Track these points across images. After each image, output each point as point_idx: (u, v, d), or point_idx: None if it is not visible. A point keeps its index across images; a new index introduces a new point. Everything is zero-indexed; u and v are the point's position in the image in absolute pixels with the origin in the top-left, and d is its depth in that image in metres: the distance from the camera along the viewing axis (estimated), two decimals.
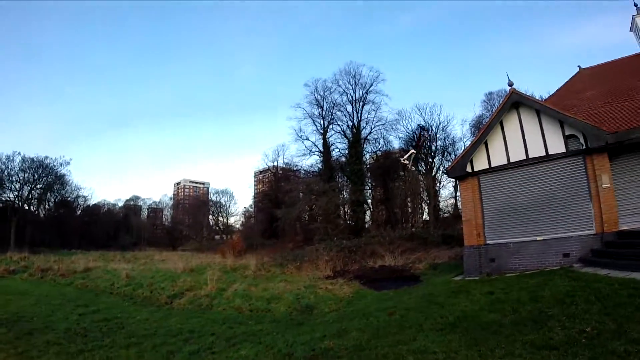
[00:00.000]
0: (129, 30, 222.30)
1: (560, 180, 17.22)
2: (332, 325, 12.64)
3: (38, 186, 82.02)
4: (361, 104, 64.00)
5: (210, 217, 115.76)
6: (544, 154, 17.63)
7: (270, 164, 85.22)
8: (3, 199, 77.53)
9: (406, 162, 28.17)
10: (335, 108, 65.77)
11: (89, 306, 17.93)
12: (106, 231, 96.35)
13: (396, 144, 66.43)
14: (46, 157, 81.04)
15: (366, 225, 57.60)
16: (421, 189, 59.21)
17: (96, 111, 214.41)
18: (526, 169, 18.15)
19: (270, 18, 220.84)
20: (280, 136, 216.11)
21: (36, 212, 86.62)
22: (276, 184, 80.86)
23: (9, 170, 76.73)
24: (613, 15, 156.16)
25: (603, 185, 15.85)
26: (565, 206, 16.81)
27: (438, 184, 62.46)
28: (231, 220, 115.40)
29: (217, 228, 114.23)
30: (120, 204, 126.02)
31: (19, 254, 40.55)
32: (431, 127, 62.06)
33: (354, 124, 63.65)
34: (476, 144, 19.65)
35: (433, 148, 62.17)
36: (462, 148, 50.86)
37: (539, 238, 17.12)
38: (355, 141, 61.95)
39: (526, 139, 18.22)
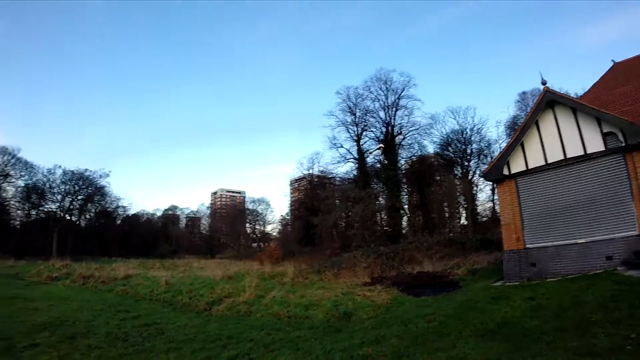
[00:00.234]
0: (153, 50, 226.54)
1: (600, 180, 16.72)
2: (371, 332, 12.57)
3: (79, 197, 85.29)
4: (394, 109, 63.48)
5: (248, 225, 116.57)
6: (582, 153, 17.17)
7: (306, 172, 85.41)
8: (45, 210, 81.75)
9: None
10: (368, 114, 65.54)
11: (130, 312, 18.32)
12: (145, 240, 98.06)
13: (431, 149, 66.07)
14: (86, 170, 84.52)
15: (403, 231, 56.95)
16: (458, 194, 58.50)
17: (135, 128, 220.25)
18: (564, 170, 17.72)
19: (295, 27, 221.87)
20: (315, 144, 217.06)
21: (77, 222, 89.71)
22: (312, 192, 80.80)
23: (50, 183, 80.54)
24: None
25: None
26: (607, 206, 16.28)
27: (475, 188, 61.38)
28: (268, 228, 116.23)
29: (255, 236, 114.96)
30: (159, 213, 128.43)
31: (61, 262, 41.46)
32: (465, 130, 61.50)
33: (387, 130, 63.17)
34: (512, 145, 19.32)
35: (468, 151, 61.52)
36: (498, 150, 50.08)
37: (580, 241, 16.68)
38: (390, 147, 61.56)
39: (563, 139, 17.80)
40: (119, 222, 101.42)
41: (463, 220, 58.78)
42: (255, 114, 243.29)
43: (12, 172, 76.13)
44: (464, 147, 60.88)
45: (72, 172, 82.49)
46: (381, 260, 30.12)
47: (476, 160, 61.79)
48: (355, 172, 66.64)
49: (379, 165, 64.99)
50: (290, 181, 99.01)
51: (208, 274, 31.21)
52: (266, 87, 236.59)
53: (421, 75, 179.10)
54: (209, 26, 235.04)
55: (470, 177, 60.68)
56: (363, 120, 65.93)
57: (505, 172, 19.31)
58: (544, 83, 19.06)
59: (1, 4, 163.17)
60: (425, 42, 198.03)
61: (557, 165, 17.86)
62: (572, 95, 27.79)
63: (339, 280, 25.70)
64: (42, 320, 15.34)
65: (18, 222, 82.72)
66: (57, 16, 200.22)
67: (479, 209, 62.74)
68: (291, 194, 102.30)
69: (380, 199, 61.96)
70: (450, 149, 63.72)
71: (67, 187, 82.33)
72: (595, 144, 16.84)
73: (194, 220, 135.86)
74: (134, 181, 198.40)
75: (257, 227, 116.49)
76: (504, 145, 35.48)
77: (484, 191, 62.82)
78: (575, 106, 17.77)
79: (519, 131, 19.47)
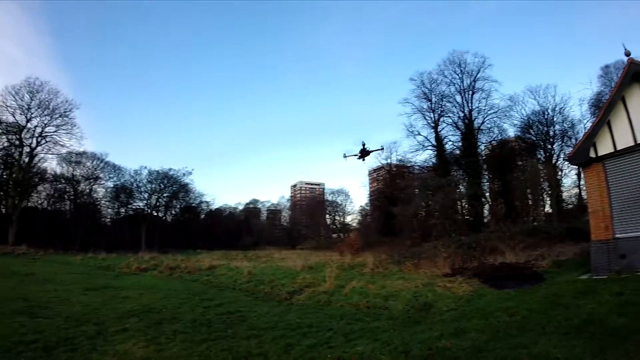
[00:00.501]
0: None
1: None
2: (450, 324, 12.41)
3: (164, 195, 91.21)
4: (470, 92, 61.56)
5: (327, 216, 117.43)
6: None
7: (384, 162, 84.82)
8: (134, 207, 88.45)
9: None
10: (444, 100, 63.97)
11: (213, 300, 19.08)
12: (228, 232, 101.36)
13: (511, 132, 63.39)
14: (170, 169, 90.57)
15: (485, 220, 55.50)
16: (541, 179, 55.34)
17: (217, 127, 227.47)
18: None
19: (363, 15, 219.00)
20: (393, 133, 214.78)
21: (164, 217, 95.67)
22: (391, 181, 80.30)
23: (137, 183, 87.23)
24: None
25: None
26: None
27: (560, 173, 58.55)
28: (348, 218, 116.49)
29: (334, 227, 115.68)
30: (241, 207, 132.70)
31: (149, 255, 44.08)
32: (547, 110, 58.33)
33: (465, 115, 61.61)
34: (597, 125, 18.19)
35: (551, 133, 58.35)
36: (583, 131, 47.36)
37: None
38: (468, 132, 60.02)
39: None
40: (202, 216, 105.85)
41: (547, 208, 56.07)
42: (331, 105, 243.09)
43: (101, 175, 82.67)
44: (546, 129, 57.84)
45: (157, 171, 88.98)
46: (462, 250, 29.57)
47: (560, 142, 58.43)
48: (434, 160, 65.52)
49: (458, 152, 63.66)
50: (369, 171, 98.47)
51: (289, 265, 31.87)
52: (341, 78, 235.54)
53: (496, 54, 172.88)
54: (279, 23, 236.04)
55: (554, 161, 57.78)
56: (439, 105, 64.51)
57: (592, 154, 18.21)
58: (627, 54, 17.72)
59: (85, 17, 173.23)
60: (497, 18, 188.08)
61: None
62: None
63: (419, 270, 25.42)
64: (132, 308, 16.31)
65: (109, 220, 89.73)
66: (143, 22, 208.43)
67: (564, 195, 60.09)
68: (370, 184, 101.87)
69: (461, 186, 60.52)
70: (531, 131, 60.41)
71: (153, 185, 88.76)
72: None
73: (274, 212, 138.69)
74: (217, 177, 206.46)
75: (337, 218, 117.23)
76: (588, 125, 33.67)
77: (569, 176, 59.88)
78: None
79: (604, 109, 18.27)
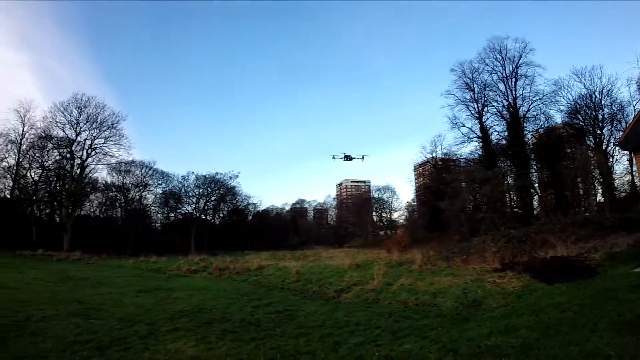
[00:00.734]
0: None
1: None
2: (500, 321, 12.18)
3: (212, 198, 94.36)
4: (513, 80, 60.66)
5: (374, 213, 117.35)
6: None
7: (429, 156, 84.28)
8: (183, 211, 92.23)
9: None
10: (487, 89, 63.27)
11: (262, 300, 19.27)
12: (275, 233, 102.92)
13: (558, 118, 62.00)
14: (217, 173, 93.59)
15: (535, 212, 54.25)
16: (592, 167, 53.12)
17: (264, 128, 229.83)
18: None
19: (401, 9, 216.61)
20: (436, 126, 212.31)
21: (212, 220, 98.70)
22: (437, 176, 79.65)
23: (185, 188, 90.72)
24: None
25: None
26: None
27: (611, 159, 56.47)
28: (394, 215, 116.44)
29: (381, 224, 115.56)
30: (287, 207, 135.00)
31: (198, 257, 44.61)
32: (594, 93, 56.38)
33: (509, 103, 60.53)
34: None
35: (599, 117, 56.51)
36: (633, 114, 45.79)
37: None
38: (514, 121, 58.82)
39: None
40: (250, 218, 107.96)
41: (599, 197, 54.45)
42: (373, 102, 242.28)
43: (150, 182, 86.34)
44: (594, 113, 56.04)
45: (204, 176, 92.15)
46: (512, 244, 28.94)
47: (609, 127, 56.67)
48: (480, 152, 65.07)
49: (504, 142, 62.45)
50: (414, 166, 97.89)
51: (336, 263, 31.99)
52: (380, 73, 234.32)
53: (537, 38, 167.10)
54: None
55: (604, 147, 55.97)
56: (482, 95, 63.90)
57: None
58: None
59: (126, 29, 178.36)
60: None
61: None
62: None
63: (467, 266, 24.99)
64: (182, 308, 16.76)
65: (159, 224, 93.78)
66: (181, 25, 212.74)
67: (617, 183, 57.71)
68: (415, 179, 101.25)
69: (509, 178, 59.52)
70: (579, 116, 59.13)
71: (201, 190, 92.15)
72: None
73: (321, 211, 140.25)
74: (263, 180, 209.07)
75: (384, 214, 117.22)
76: (639, 106, 32.48)
77: (620, 162, 57.71)
78: None
79: None
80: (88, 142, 69.65)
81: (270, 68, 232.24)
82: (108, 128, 70.60)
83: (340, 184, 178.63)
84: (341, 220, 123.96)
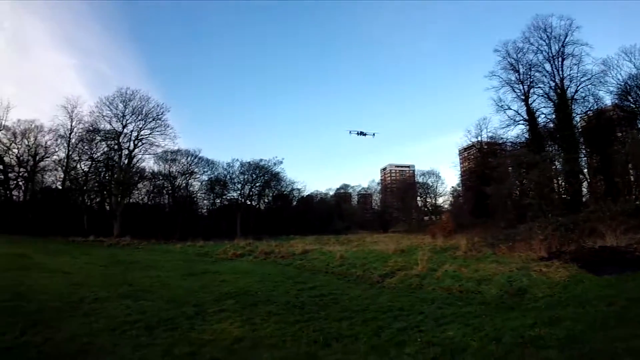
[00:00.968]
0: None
1: None
2: (544, 312, 12.15)
3: (257, 184, 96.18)
4: (560, 59, 58.57)
5: (419, 198, 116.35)
6: None
7: (474, 140, 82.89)
8: (228, 198, 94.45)
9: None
10: (533, 69, 61.32)
11: (307, 283, 19.77)
12: (320, 218, 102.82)
13: (608, 100, 59.35)
14: (261, 160, 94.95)
15: (583, 199, 52.74)
16: None
17: (307, 113, 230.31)
18: None
19: None
20: (481, 109, 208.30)
21: (257, 206, 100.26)
22: (482, 160, 78.16)
23: (230, 175, 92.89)
24: None
25: None
26: None
27: None
28: (439, 200, 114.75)
29: (426, 209, 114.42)
30: (332, 192, 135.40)
31: (244, 241, 45.79)
32: None
33: (556, 84, 58.65)
34: None
35: None
36: None
37: None
38: (562, 103, 57.19)
39: None
40: (294, 203, 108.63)
41: None
42: (416, 86, 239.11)
43: (196, 170, 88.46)
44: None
45: (249, 163, 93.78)
46: (559, 232, 28.26)
47: None
48: (526, 135, 63.40)
49: (552, 126, 60.78)
50: (459, 150, 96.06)
51: (380, 248, 32.25)
52: (422, 56, 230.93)
53: (582, 15, 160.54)
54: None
55: None
56: (528, 76, 62.03)
57: None
58: None
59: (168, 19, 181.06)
60: None
61: None
62: None
63: (513, 254, 24.65)
64: (228, 290, 17.42)
65: (205, 210, 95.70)
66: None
67: None
68: (461, 163, 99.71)
69: (557, 163, 57.84)
70: (630, 98, 56.40)
71: (246, 176, 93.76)
72: None
73: (365, 196, 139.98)
74: (308, 165, 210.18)
75: (428, 200, 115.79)
76: None
77: None
78: None
79: None
80: (134, 134, 72.57)
81: (313, 54, 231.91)
82: (153, 119, 73.34)
83: (384, 169, 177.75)
84: (385, 205, 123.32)
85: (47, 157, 71.68)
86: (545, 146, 59.42)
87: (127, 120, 71.73)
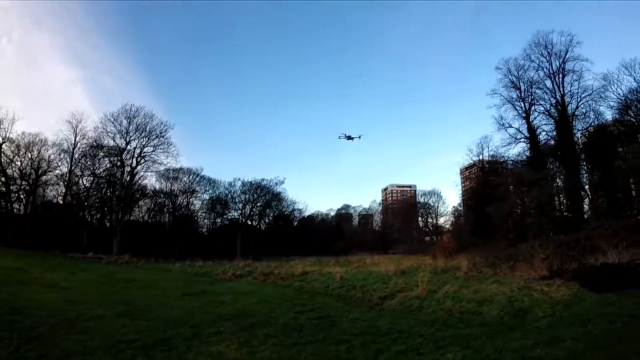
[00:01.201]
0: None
1: None
2: (546, 331, 12.02)
3: (258, 204, 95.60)
4: (560, 76, 58.51)
5: (420, 218, 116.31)
6: None
7: (476, 159, 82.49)
8: (229, 217, 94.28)
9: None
10: (534, 86, 61.34)
11: (305, 305, 19.58)
12: (320, 239, 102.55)
13: (609, 115, 58.58)
14: (262, 180, 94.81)
15: (585, 216, 52.43)
16: None
17: (308, 133, 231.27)
18: None
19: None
20: (483, 127, 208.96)
21: (257, 226, 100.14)
22: (484, 179, 77.84)
23: (232, 194, 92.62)
24: None
25: None
26: None
27: None
28: (441, 220, 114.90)
29: (427, 229, 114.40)
30: (332, 213, 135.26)
31: (244, 262, 45.61)
32: None
33: (557, 101, 58.56)
34: None
35: None
36: None
37: None
38: (562, 120, 57.04)
39: None
40: (295, 223, 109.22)
41: None
42: (418, 106, 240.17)
43: (197, 188, 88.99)
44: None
45: (250, 182, 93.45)
46: (561, 250, 28.12)
47: None
48: (527, 153, 63.00)
49: (553, 143, 60.70)
50: (460, 169, 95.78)
51: (381, 269, 31.85)
52: (426, 79, 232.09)
53: (582, 31, 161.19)
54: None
55: None
56: (529, 93, 62.03)
57: None
58: None
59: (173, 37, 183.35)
60: None
61: None
62: None
63: (514, 273, 24.52)
64: (226, 312, 17.30)
65: (205, 230, 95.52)
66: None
67: None
68: (462, 183, 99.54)
69: (558, 180, 57.81)
70: (630, 112, 55.25)
71: (247, 196, 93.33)
72: None
73: (366, 217, 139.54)
74: (309, 185, 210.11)
75: (430, 220, 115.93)
76: None
77: None
78: None
79: None
80: (137, 151, 72.54)
81: (314, 75, 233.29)
82: (157, 137, 73.38)
83: (385, 189, 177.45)
84: (386, 225, 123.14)
85: (50, 171, 72.15)
86: (547, 164, 59.36)
87: (130, 137, 72.01)
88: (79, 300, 18.55)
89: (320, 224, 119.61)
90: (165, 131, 74.01)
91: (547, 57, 59.58)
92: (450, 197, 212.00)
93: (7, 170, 68.78)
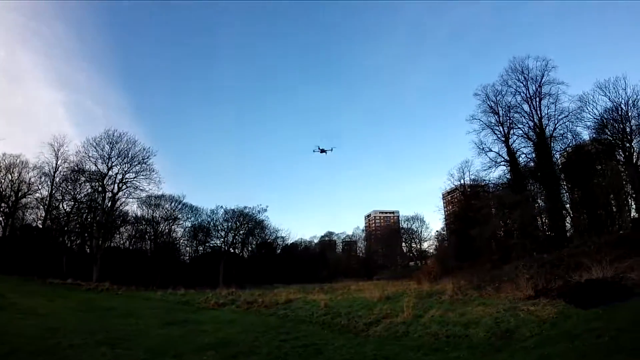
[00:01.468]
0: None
1: None
2: (533, 351, 11.94)
3: (240, 232, 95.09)
4: (537, 99, 59.64)
5: (403, 244, 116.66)
6: None
7: (457, 183, 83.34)
8: (211, 245, 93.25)
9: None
10: (512, 111, 62.35)
11: (290, 333, 19.25)
12: (304, 266, 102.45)
13: (586, 135, 59.39)
14: (245, 207, 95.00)
15: (567, 234, 52.82)
16: (624, 182, 51.92)
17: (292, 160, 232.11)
18: None
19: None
20: (463, 152, 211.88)
21: (240, 254, 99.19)
22: (466, 203, 78.45)
23: (214, 222, 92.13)
24: None
25: None
26: None
27: None
28: (424, 245, 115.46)
29: (411, 254, 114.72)
30: (316, 240, 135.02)
31: (227, 290, 45.05)
32: (620, 105, 53.70)
33: (535, 124, 59.44)
34: None
35: (627, 130, 53.48)
36: None
37: None
38: (541, 142, 57.80)
39: None
40: (279, 251, 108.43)
41: (633, 213, 52.48)
42: (398, 132, 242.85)
43: (180, 216, 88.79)
44: (621, 126, 53.61)
45: (233, 210, 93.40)
46: (545, 269, 28.22)
47: (639, 138, 53.52)
48: (508, 176, 63.66)
49: (532, 165, 61.41)
50: (442, 194, 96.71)
51: (366, 296, 31.76)
52: (408, 102, 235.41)
53: (557, 54, 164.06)
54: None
55: (635, 160, 52.73)
56: (507, 118, 62.95)
57: None
58: None
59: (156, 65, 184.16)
60: (552, 15, 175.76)
61: None
62: None
63: (500, 294, 24.56)
64: (209, 341, 16.91)
65: (187, 257, 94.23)
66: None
67: None
68: (445, 207, 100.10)
69: (539, 200, 58.34)
70: (607, 131, 55.85)
71: (230, 224, 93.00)
72: None
73: (350, 244, 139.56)
74: (292, 213, 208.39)
75: (413, 245, 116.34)
76: None
77: None
78: None
79: None
80: (119, 176, 72.48)
81: (295, 102, 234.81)
82: (139, 163, 73.39)
83: (368, 215, 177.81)
84: (370, 251, 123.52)
85: (30, 194, 71.66)
86: (527, 185, 60.08)
87: (112, 162, 71.96)
88: (57, 328, 18.11)
89: (304, 251, 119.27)
90: (148, 157, 74.13)
91: (523, 82, 60.74)
92: (434, 222, 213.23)
93: None
